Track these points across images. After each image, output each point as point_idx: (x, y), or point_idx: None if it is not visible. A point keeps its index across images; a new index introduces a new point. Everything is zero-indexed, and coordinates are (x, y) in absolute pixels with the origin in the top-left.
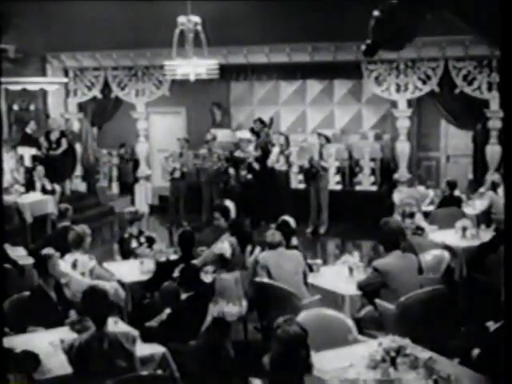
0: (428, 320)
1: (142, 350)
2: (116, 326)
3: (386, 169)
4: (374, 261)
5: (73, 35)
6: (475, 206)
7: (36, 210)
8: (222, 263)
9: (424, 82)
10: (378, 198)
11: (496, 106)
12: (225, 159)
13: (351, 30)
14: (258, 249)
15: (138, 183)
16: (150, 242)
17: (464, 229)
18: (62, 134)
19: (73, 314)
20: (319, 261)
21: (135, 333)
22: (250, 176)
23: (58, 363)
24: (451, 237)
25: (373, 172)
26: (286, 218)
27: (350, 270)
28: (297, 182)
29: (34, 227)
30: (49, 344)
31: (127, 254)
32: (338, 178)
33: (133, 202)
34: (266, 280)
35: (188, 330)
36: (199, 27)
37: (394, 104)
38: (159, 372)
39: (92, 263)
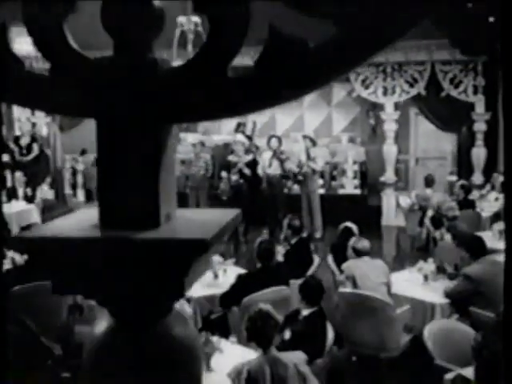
0: None
1: None
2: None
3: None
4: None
5: None
6: (483, 208)
7: (21, 220)
8: None
9: (411, 85)
10: (362, 201)
11: (481, 109)
12: (212, 164)
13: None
14: (317, 259)
15: None
16: None
17: (501, 232)
18: (33, 138)
19: None
20: None
21: (302, 355)
22: (241, 180)
23: None
24: (489, 240)
25: (355, 175)
26: (349, 224)
27: (425, 277)
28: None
29: None
30: None
31: None
32: (320, 181)
33: None
34: (357, 290)
35: (314, 348)
36: (200, 28)
37: (374, 106)
38: None
39: None
